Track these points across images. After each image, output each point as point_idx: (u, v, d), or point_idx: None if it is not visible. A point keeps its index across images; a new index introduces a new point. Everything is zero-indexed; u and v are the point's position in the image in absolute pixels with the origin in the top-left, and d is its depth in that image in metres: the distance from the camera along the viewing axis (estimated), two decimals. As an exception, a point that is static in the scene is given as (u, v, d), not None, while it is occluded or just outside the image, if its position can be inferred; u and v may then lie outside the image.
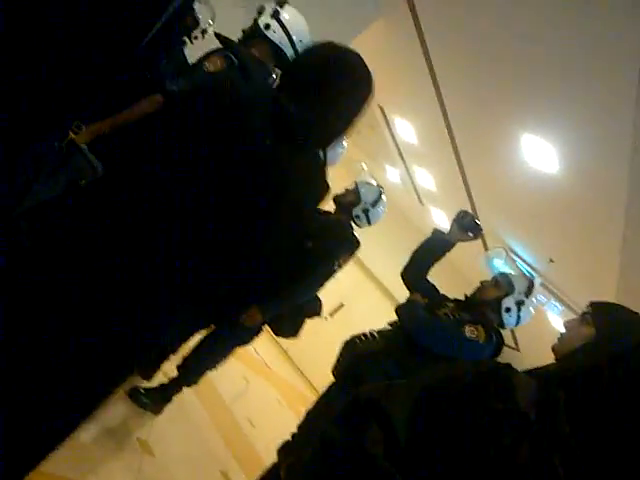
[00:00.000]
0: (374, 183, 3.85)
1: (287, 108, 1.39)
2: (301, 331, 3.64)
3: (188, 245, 1.29)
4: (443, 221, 7.50)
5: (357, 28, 5.02)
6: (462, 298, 2.95)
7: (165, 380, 3.48)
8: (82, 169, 2.11)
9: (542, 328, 5.97)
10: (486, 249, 6.62)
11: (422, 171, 7.65)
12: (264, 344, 6.70)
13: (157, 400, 3.41)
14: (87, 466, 2.50)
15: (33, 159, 1.81)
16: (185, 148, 1.32)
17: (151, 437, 3.22)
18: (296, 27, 2.87)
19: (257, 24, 2.85)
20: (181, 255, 1.28)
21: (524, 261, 6.34)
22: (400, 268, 3.12)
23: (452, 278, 5.59)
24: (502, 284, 2.91)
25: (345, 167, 7.55)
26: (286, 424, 3.23)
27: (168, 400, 3.45)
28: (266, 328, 3.56)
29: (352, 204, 3.56)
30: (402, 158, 7.87)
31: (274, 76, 2.91)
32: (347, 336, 2.88)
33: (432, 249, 3.11)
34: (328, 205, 3.39)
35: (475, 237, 3.09)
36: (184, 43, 2.97)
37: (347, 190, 3.64)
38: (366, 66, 1.48)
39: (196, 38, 3.10)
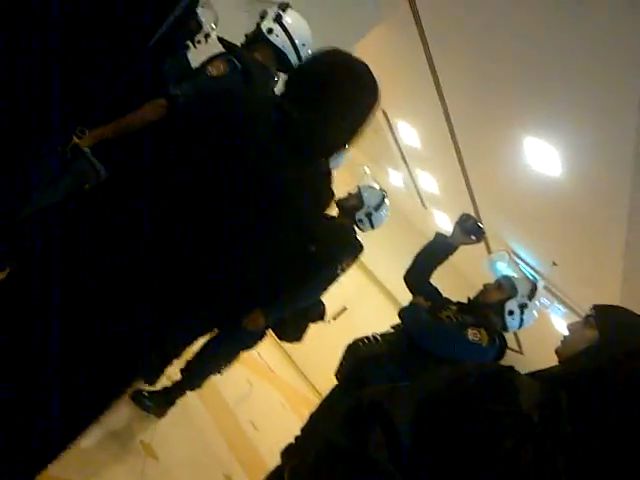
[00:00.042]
0: (377, 187, 3.86)
1: (292, 117, 1.38)
2: (305, 335, 3.64)
3: (192, 249, 1.29)
4: (446, 224, 7.49)
5: (360, 32, 5.03)
6: (465, 301, 2.95)
7: (169, 383, 3.48)
8: (85, 173, 2.12)
9: (545, 331, 5.96)
10: (489, 252, 6.61)
11: (425, 175, 7.64)
12: (268, 348, 6.70)
13: (160, 403, 3.41)
14: (90, 469, 2.50)
15: (37, 163, 1.82)
16: (189, 154, 1.32)
17: (154, 440, 3.22)
18: (299, 31, 2.88)
19: (260, 28, 2.86)
20: (185, 259, 1.28)
21: (527, 264, 6.33)
22: (403, 271, 3.13)
23: (455, 281, 5.59)
24: (505, 287, 2.91)
25: (348, 171, 7.56)
26: (290, 427, 3.23)
27: (172, 403, 3.45)
28: (270, 332, 3.56)
29: (355, 208, 3.56)
30: (405, 162, 7.87)
31: (276, 79, 2.91)
32: (350, 339, 2.88)
33: (435, 252, 3.11)
34: (331, 209, 3.39)
35: (478, 240, 3.10)
36: (187, 47, 2.98)
37: (350, 194, 3.64)
38: (372, 74, 1.47)
39: (199, 42, 3.10)
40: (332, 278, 3.38)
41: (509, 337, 2.85)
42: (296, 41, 2.86)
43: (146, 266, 1.25)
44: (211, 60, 2.62)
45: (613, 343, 1.93)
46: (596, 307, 2.13)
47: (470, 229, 3.06)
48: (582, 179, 4.28)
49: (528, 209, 5.46)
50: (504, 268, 5.76)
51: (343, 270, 3.42)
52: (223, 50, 2.70)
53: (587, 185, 4.26)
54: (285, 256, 1.61)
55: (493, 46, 4.13)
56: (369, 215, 3.57)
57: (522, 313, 2.85)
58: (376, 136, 7.59)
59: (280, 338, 3.65)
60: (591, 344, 1.99)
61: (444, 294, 3.05)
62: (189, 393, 3.53)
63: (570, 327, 2.18)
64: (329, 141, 1.50)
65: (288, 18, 2.87)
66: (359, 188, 3.65)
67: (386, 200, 3.67)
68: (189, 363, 3.48)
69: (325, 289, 3.41)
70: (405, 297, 3.09)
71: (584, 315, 2.15)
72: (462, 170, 5.87)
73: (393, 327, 2.85)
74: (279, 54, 2.86)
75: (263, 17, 2.90)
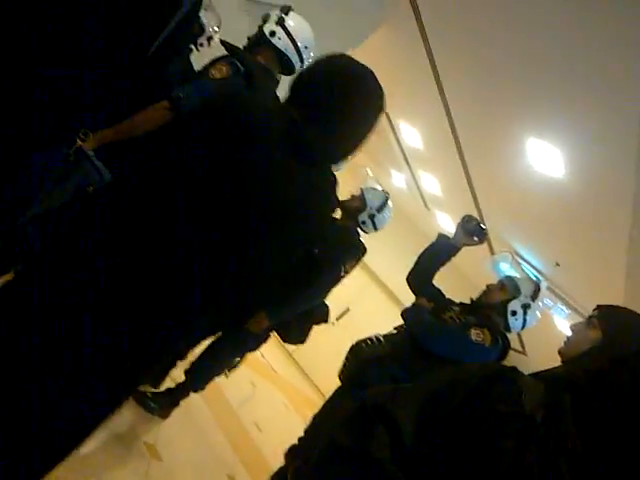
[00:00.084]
0: (379, 189, 3.85)
1: (300, 125, 1.38)
2: (308, 337, 3.64)
3: (198, 253, 1.29)
4: (449, 225, 7.50)
5: (362, 34, 5.03)
6: (468, 302, 2.95)
7: (172, 385, 3.49)
8: (89, 175, 2.12)
9: (549, 332, 5.95)
10: (492, 253, 6.61)
11: (427, 176, 7.64)
12: (270, 349, 6.70)
13: (164, 404, 3.42)
14: (94, 470, 2.50)
15: (41, 166, 1.83)
16: (195, 159, 1.32)
17: (158, 442, 3.22)
18: (301, 34, 2.88)
19: (262, 31, 2.86)
20: (191, 263, 1.28)
21: (530, 265, 6.32)
22: (406, 273, 3.13)
23: (458, 282, 5.58)
24: (508, 287, 2.91)
25: (350, 173, 7.55)
26: (293, 428, 3.23)
27: (175, 405, 3.46)
28: (273, 334, 3.57)
29: (358, 210, 3.56)
30: (407, 163, 7.87)
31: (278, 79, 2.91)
32: (353, 340, 2.88)
33: (437, 254, 3.11)
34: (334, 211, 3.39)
35: (480, 241, 3.10)
36: (190, 50, 2.99)
37: (353, 196, 3.64)
38: (378, 81, 1.47)
39: (202, 45, 3.11)
40: (335, 280, 3.38)
41: (513, 338, 2.85)
42: (298, 44, 2.86)
43: (151, 269, 1.25)
44: (214, 63, 2.63)
45: (616, 344, 1.93)
46: (599, 308, 2.13)
47: (472, 230, 3.06)
48: (585, 180, 4.27)
49: (531, 210, 5.46)
50: (507, 269, 5.75)
51: (346, 272, 3.42)
52: (226, 53, 2.70)
53: (590, 186, 4.26)
54: (290, 259, 1.61)
55: (495, 47, 4.13)
56: (372, 217, 3.56)
57: (525, 314, 2.85)
58: (378, 137, 7.59)
59: (284, 340, 3.65)
60: (594, 345, 1.99)
61: (447, 295, 3.05)
62: (192, 394, 3.54)
63: (573, 328, 2.19)
64: (337, 150, 1.49)
65: (290, 21, 2.87)
66: (362, 190, 3.64)
67: (389, 202, 3.67)
68: (193, 365, 3.49)
69: (328, 291, 3.41)
70: (408, 298, 3.10)
71: (587, 316, 2.16)
72: (464, 171, 5.87)
73: (396, 328, 2.85)
74: (282, 57, 2.86)
75: (265, 20, 2.90)
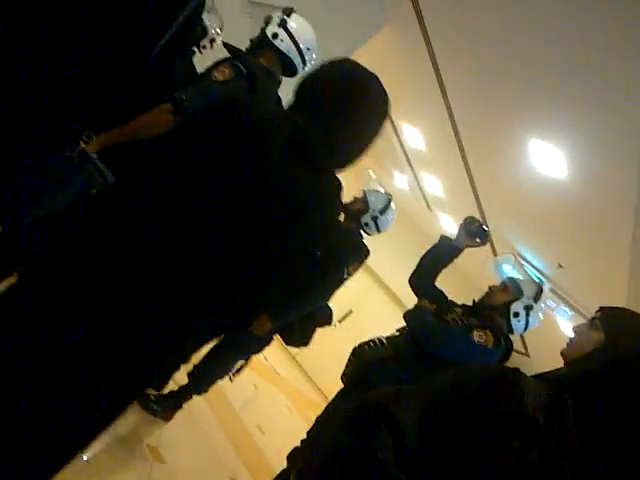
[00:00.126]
0: (382, 191, 3.86)
1: (304, 131, 1.37)
2: (311, 340, 3.64)
3: (203, 257, 1.29)
4: (451, 227, 7.49)
5: (364, 36, 5.04)
6: (470, 304, 2.95)
7: (175, 387, 3.49)
8: (93, 178, 2.12)
9: (552, 333, 5.94)
10: (495, 255, 6.60)
11: (430, 177, 7.64)
12: (273, 351, 6.71)
13: (167, 407, 3.42)
14: (97, 473, 2.51)
15: (44, 169, 1.83)
16: (200, 164, 1.32)
17: (161, 444, 3.23)
18: (304, 36, 2.89)
19: (265, 33, 2.86)
20: (195, 267, 1.28)
21: (533, 266, 6.32)
22: (408, 274, 3.13)
23: (461, 284, 5.59)
24: (510, 289, 2.91)
25: (353, 174, 7.56)
26: (296, 431, 3.23)
27: (178, 407, 3.46)
28: (276, 337, 3.56)
29: (361, 212, 3.56)
30: (410, 164, 7.87)
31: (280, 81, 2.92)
32: (356, 342, 2.88)
33: (439, 255, 3.11)
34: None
35: (482, 243, 3.10)
36: (193, 52, 2.99)
37: (356, 198, 3.64)
38: (382, 86, 1.47)
39: (204, 47, 3.12)
40: (338, 282, 3.38)
41: (515, 339, 2.85)
42: (301, 46, 2.87)
43: (156, 271, 1.25)
44: (216, 65, 2.63)
45: (618, 345, 1.93)
46: (602, 309, 2.13)
47: (475, 232, 3.06)
48: (587, 181, 4.27)
49: (533, 211, 5.45)
50: (509, 270, 5.76)
51: (349, 274, 3.42)
52: (228, 55, 2.71)
53: (592, 187, 4.26)
54: (293, 263, 1.60)
55: (497, 49, 4.14)
56: (375, 219, 3.56)
57: (527, 315, 2.84)
58: (381, 139, 7.57)
59: (287, 343, 3.65)
60: (597, 346, 1.99)
61: (449, 297, 3.05)
62: (195, 397, 3.54)
63: (576, 329, 2.19)
64: (342, 155, 1.49)
65: (293, 23, 2.88)
66: (364, 192, 3.65)
67: (391, 204, 3.67)
68: (196, 367, 3.49)
69: (331, 294, 3.41)
70: (411, 300, 3.10)
71: (590, 317, 2.16)
72: (467, 172, 5.87)
73: (398, 330, 2.85)
74: (284, 59, 2.87)
75: (268, 22, 2.91)
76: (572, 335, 2.17)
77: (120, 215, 1.29)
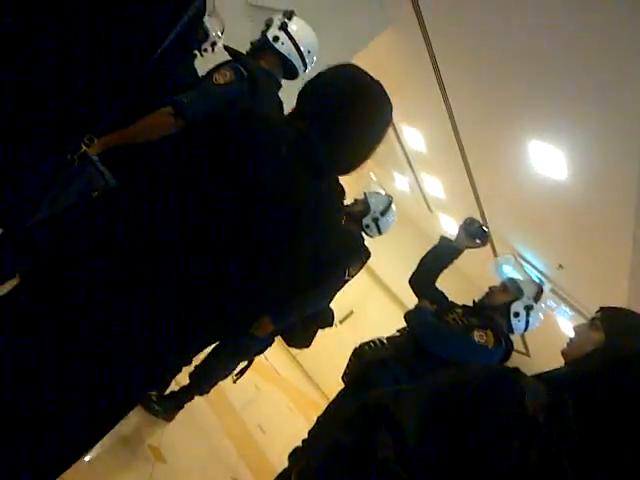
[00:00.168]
0: (383, 192, 3.86)
1: (308, 138, 1.37)
2: (313, 341, 3.64)
3: (201, 258, 1.29)
4: (452, 228, 7.49)
5: (364, 38, 5.04)
6: (471, 305, 2.95)
7: (176, 388, 3.50)
8: (94, 181, 2.13)
9: (552, 333, 5.94)
10: (495, 255, 6.60)
11: (431, 179, 7.64)
12: (274, 351, 6.71)
13: (169, 408, 3.42)
14: (99, 473, 2.51)
15: (45, 171, 1.83)
16: (202, 169, 1.31)
17: (163, 444, 3.23)
18: (304, 38, 2.89)
19: (265, 36, 2.86)
20: (194, 267, 1.28)
21: (534, 267, 6.32)
22: (409, 275, 3.14)
23: (461, 285, 5.59)
24: (511, 289, 2.91)
25: (353, 176, 7.53)
26: (297, 431, 3.24)
27: (180, 407, 3.46)
28: (278, 337, 3.56)
29: (362, 214, 3.56)
30: (411, 166, 7.87)
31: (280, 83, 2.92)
32: (357, 343, 2.89)
33: (440, 256, 3.12)
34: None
35: (482, 244, 3.11)
36: (194, 56, 3.00)
37: (356, 200, 3.64)
38: (386, 93, 1.46)
39: (206, 51, 3.12)
40: (340, 284, 3.37)
41: (516, 339, 2.85)
42: (302, 48, 2.87)
43: (157, 274, 1.25)
44: (217, 68, 2.63)
45: (619, 345, 1.93)
46: (602, 310, 2.13)
47: (475, 233, 3.07)
48: (588, 182, 4.27)
49: (534, 212, 5.45)
50: (510, 271, 5.76)
51: (351, 276, 3.41)
52: (229, 58, 2.71)
53: (593, 188, 4.26)
54: (295, 266, 1.60)
55: (497, 50, 4.14)
56: (376, 220, 3.56)
57: (528, 315, 2.85)
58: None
59: (288, 344, 3.64)
60: (597, 346, 1.99)
61: (450, 298, 3.06)
62: (197, 397, 3.55)
63: (576, 329, 2.19)
64: (347, 162, 1.49)
65: (293, 26, 2.88)
66: (365, 194, 3.64)
67: (392, 205, 3.67)
68: (197, 368, 3.49)
69: (333, 295, 3.41)
70: (411, 301, 3.10)
71: (590, 318, 2.16)
72: (467, 174, 5.87)
73: (399, 331, 2.86)
74: (285, 61, 2.87)
75: (269, 25, 2.91)
76: (572, 335, 2.18)
77: (121, 218, 1.29)
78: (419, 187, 8.16)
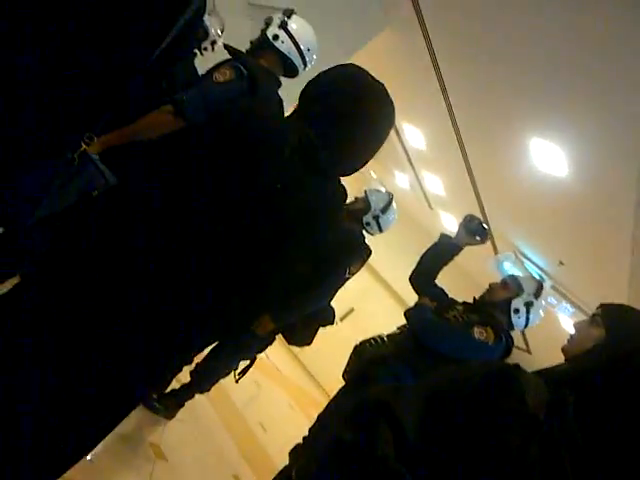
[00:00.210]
0: (383, 190, 3.86)
1: (314, 141, 1.37)
2: (314, 339, 3.64)
3: (202, 256, 1.28)
4: (453, 225, 7.48)
5: (365, 37, 5.03)
6: (471, 302, 2.96)
7: (177, 386, 3.51)
8: (94, 179, 2.13)
9: (553, 330, 5.95)
10: (496, 252, 6.60)
11: (431, 176, 7.64)
12: (275, 349, 6.72)
13: (169, 405, 3.43)
14: (100, 471, 2.52)
15: (45, 170, 1.83)
16: (204, 169, 1.31)
17: (164, 442, 3.24)
18: (304, 37, 2.89)
19: (265, 35, 2.86)
20: (195, 266, 1.28)
21: (534, 264, 6.32)
22: (410, 273, 3.14)
23: (462, 282, 5.59)
24: (511, 286, 2.91)
25: (354, 175, 7.54)
26: (298, 428, 3.24)
27: (180, 405, 3.47)
28: (278, 335, 3.57)
29: (362, 212, 3.56)
30: (411, 164, 7.86)
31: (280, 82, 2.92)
32: (358, 340, 2.89)
33: (440, 253, 3.12)
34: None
35: (482, 241, 3.11)
36: (194, 54, 2.99)
37: (357, 198, 3.64)
38: (389, 94, 1.46)
39: (206, 49, 3.12)
40: (340, 282, 3.37)
41: (517, 336, 2.85)
42: (301, 47, 2.87)
43: (157, 273, 1.25)
44: (217, 67, 2.63)
45: (619, 341, 1.93)
46: (602, 306, 2.13)
47: (474, 230, 3.07)
48: (588, 179, 4.27)
49: (534, 209, 5.45)
50: (510, 268, 5.76)
51: (351, 274, 3.41)
52: (229, 57, 2.71)
53: (593, 185, 4.26)
54: (297, 264, 1.60)
55: (497, 48, 4.14)
56: (376, 218, 3.56)
57: (528, 312, 2.85)
58: (382, 139, 7.56)
59: (289, 342, 3.65)
60: (597, 343, 1.99)
61: (450, 295, 3.06)
62: (197, 395, 3.55)
63: (576, 326, 2.19)
64: (350, 164, 1.49)
65: (293, 24, 2.88)
66: (366, 192, 3.64)
67: (393, 203, 3.67)
68: (198, 366, 3.50)
69: (333, 294, 3.41)
70: (412, 298, 3.10)
71: (591, 314, 2.16)
72: (468, 171, 5.87)
73: (399, 328, 2.86)
74: (285, 60, 2.87)
75: (268, 23, 2.90)
76: (573, 332, 2.18)
77: (122, 216, 1.29)
78: (419, 184, 8.16)
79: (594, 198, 4.34)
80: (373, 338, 2.81)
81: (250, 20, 4.08)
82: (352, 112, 1.41)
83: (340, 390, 2.81)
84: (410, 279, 3.13)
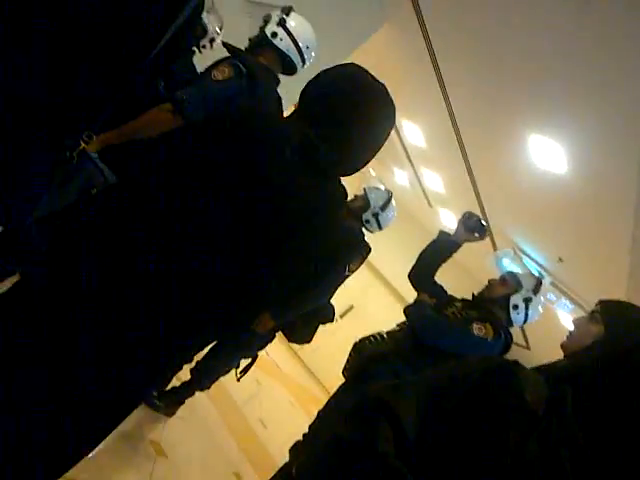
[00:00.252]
0: (382, 188, 3.86)
1: (316, 143, 1.37)
2: (313, 337, 3.64)
3: (201, 255, 1.28)
4: (452, 222, 7.49)
5: (364, 34, 5.03)
6: (470, 299, 2.96)
7: (177, 383, 3.51)
8: (93, 178, 2.13)
9: (552, 327, 5.95)
10: (495, 249, 6.61)
11: (430, 173, 7.64)
12: (275, 346, 6.73)
13: (170, 403, 3.44)
14: (100, 469, 2.52)
15: (45, 169, 1.83)
16: (204, 168, 1.31)
17: (164, 440, 3.24)
18: (303, 34, 2.89)
19: (264, 32, 2.86)
20: (195, 265, 1.28)
21: (534, 261, 6.32)
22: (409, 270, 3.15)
23: (461, 279, 5.59)
24: (510, 282, 2.92)
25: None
26: (299, 425, 3.24)
27: (181, 403, 3.48)
28: (279, 333, 3.57)
29: (362, 209, 3.56)
30: (410, 161, 7.86)
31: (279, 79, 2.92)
32: (357, 338, 2.90)
33: (438, 250, 3.13)
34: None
35: (481, 237, 3.12)
36: (193, 52, 2.99)
37: (356, 196, 3.64)
38: (389, 94, 1.45)
39: (204, 47, 3.12)
40: (340, 280, 3.37)
41: (516, 333, 2.85)
42: (300, 44, 2.86)
43: (157, 272, 1.24)
44: (216, 64, 2.63)
45: (618, 338, 1.93)
46: (601, 302, 2.14)
47: (473, 227, 3.08)
48: (587, 176, 4.27)
49: (534, 206, 5.45)
50: (509, 265, 5.77)
51: (351, 271, 3.41)
52: (228, 55, 2.71)
53: (592, 182, 4.26)
54: (297, 264, 1.60)
55: (497, 45, 4.14)
56: (376, 216, 3.55)
57: (527, 308, 2.85)
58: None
59: (289, 340, 3.64)
60: (596, 339, 1.99)
61: (449, 292, 3.06)
62: (198, 393, 3.56)
63: (575, 322, 2.19)
64: (349, 164, 1.48)
65: (292, 21, 2.87)
66: (365, 189, 3.64)
67: (392, 200, 3.67)
68: (198, 364, 3.50)
69: (333, 291, 3.41)
70: (412, 295, 3.10)
71: (590, 310, 2.17)
72: (467, 168, 5.87)
73: (398, 325, 2.86)
74: (283, 57, 2.87)
75: (267, 21, 2.90)
76: (572, 328, 2.18)
77: (121, 214, 1.29)
78: (419, 182, 8.16)
79: (593, 195, 4.34)
80: (373, 335, 2.82)
81: (249, 18, 4.07)
82: (352, 113, 1.41)
83: (340, 387, 2.81)
84: (409, 276, 3.13)
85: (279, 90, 2.87)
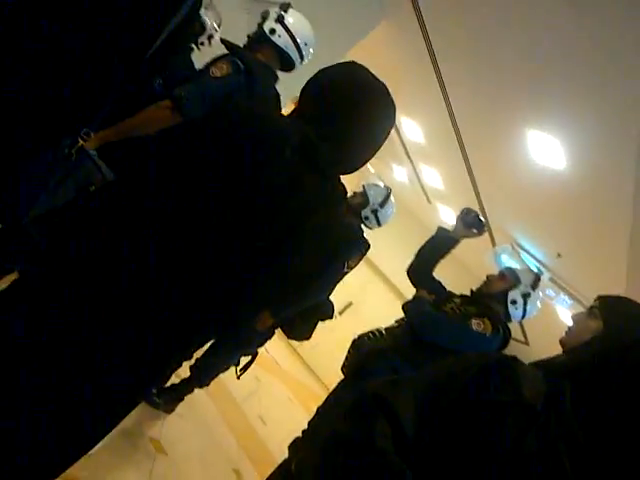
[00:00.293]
0: (381, 184, 3.86)
1: (316, 142, 1.36)
2: (313, 333, 3.64)
3: (200, 253, 1.27)
4: (451, 218, 7.49)
5: (362, 30, 5.02)
6: (468, 294, 2.96)
7: (177, 380, 3.51)
8: (91, 175, 2.13)
9: (551, 322, 5.97)
10: (494, 245, 6.61)
11: (429, 169, 7.64)
12: (275, 343, 6.74)
13: (169, 400, 3.44)
14: (100, 466, 2.52)
15: (43, 167, 1.83)
16: (202, 166, 1.31)
17: (164, 437, 3.24)
18: (301, 31, 2.88)
19: (262, 29, 2.85)
20: (193, 262, 1.28)
21: (532, 256, 6.33)
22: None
23: (460, 275, 5.59)
24: (508, 277, 2.92)
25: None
26: (298, 422, 3.24)
27: (180, 400, 3.48)
28: (278, 330, 3.57)
29: (361, 206, 3.56)
30: (409, 157, 7.86)
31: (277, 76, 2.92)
32: (356, 334, 2.90)
33: (437, 246, 3.13)
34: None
35: (479, 233, 3.12)
36: (191, 49, 2.99)
37: (355, 193, 3.64)
38: (389, 93, 1.45)
39: (203, 44, 3.11)
40: (339, 277, 3.38)
41: (515, 328, 2.86)
42: (298, 41, 2.86)
43: (156, 269, 1.24)
44: (214, 61, 2.62)
45: (617, 333, 1.94)
46: (600, 298, 2.14)
47: (471, 223, 3.08)
48: (586, 172, 4.28)
49: (532, 202, 5.46)
50: (507, 261, 5.77)
51: (350, 268, 3.41)
52: (226, 51, 2.71)
53: (591, 178, 4.26)
54: (295, 262, 1.60)
55: (495, 41, 4.13)
56: (375, 212, 3.56)
57: (525, 303, 2.86)
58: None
59: (288, 337, 3.64)
60: (595, 334, 2.00)
61: (448, 287, 3.06)
62: (197, 389, 3.56)
63: (574, 318, 2.20)
64: (349, 163, 1.48)
65: (290, 18, 2.87)
66: (364, 186, 3.64)
67: (391, 197, 3.67)
68: (198, 361, 3.51)
69: (332, 288, 3.41)
70: (410, 291, 3.11)
71: (588, 306, 2.17)
72: (466, 164, 5.87)
73: (397, 321, 2.87)
74: (282, 54, 2.86)
75: (265, 18, 2.89)
76: (571, 324, 2.19)
77: (119, 212, 1.28)
78: (418, 178, 8.15)
79: (592, 190, 4.35)
80: (372, 331, 2.82)
81: (247, 14, 4.07)
82: (352, 112, 1.40)
83: (339, 383, 2.81)
84: (408, 272, 3.13)
85: (277, 86, 2.87)
